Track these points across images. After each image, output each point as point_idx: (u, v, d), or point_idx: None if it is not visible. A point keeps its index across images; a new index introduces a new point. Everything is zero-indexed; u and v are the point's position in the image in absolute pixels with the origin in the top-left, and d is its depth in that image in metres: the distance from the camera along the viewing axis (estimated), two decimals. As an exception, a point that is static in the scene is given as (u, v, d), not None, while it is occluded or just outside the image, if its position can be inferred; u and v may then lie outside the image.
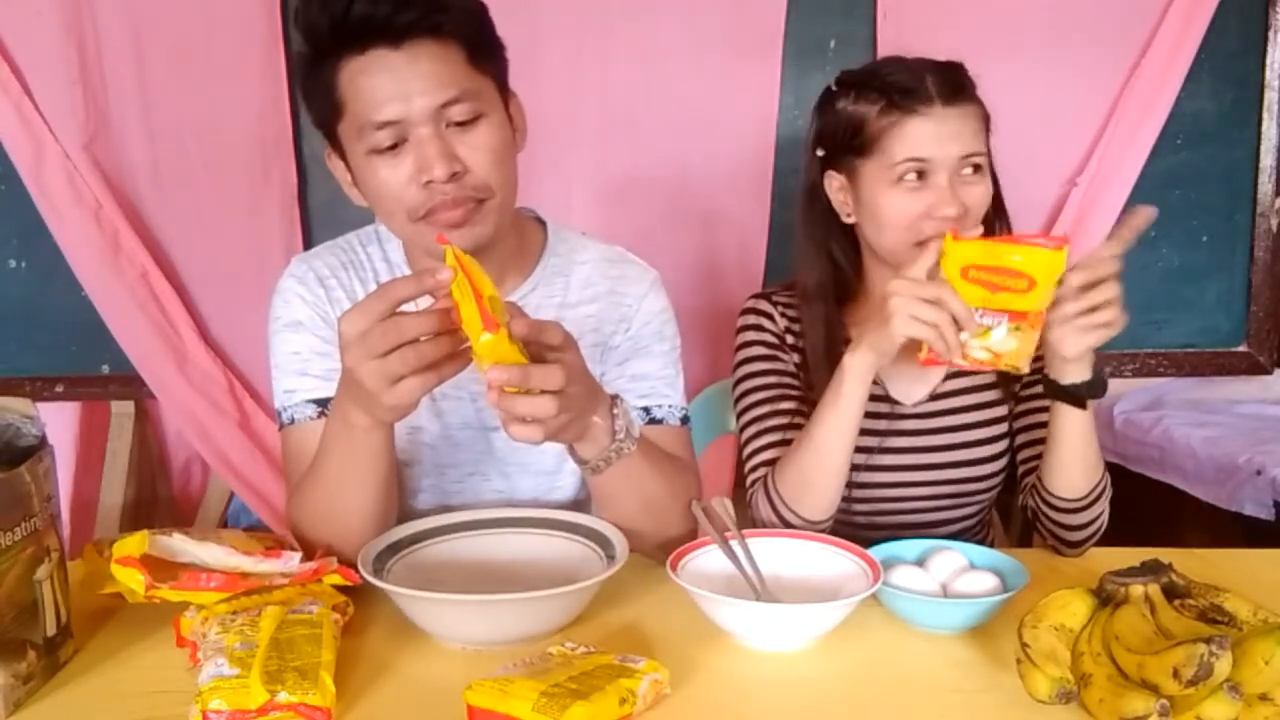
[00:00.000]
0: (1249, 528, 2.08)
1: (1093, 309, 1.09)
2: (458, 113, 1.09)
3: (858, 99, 1.27)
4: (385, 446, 1.07)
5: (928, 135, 1.23)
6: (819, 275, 1.36)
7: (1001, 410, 1.37)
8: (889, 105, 1.24)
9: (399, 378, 0.92)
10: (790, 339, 1.39)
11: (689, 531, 1.18)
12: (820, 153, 1.33)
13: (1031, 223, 2.00)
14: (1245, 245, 2.06)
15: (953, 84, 1.24)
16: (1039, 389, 1.24)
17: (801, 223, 1.37)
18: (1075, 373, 1.15)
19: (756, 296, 1.43)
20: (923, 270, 1.13)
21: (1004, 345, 1.11)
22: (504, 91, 1.17)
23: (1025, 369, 1.13)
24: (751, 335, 1.40)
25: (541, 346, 0.95)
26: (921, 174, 1.23)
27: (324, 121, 1.14)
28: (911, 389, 1.37)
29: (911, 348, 1.15)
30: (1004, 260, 1.08)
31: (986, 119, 1.28)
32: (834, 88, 1.32)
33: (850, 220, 1.32)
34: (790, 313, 1.40)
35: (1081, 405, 1.16)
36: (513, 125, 1.18)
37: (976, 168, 1.25)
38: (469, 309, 0.88)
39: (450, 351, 0.93)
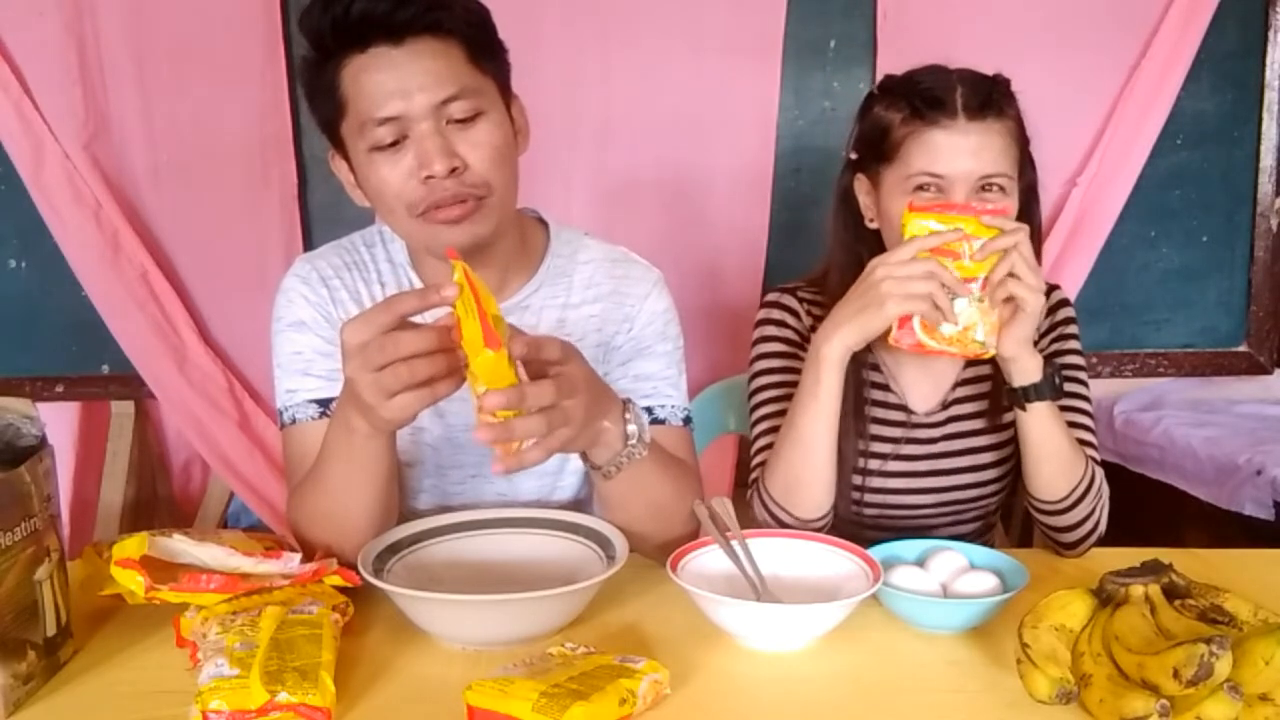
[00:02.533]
0: (1249, 528, 2.08)
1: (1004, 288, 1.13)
2: (458, 109, 1.10)
3: (888, 105, 1.26)
4: (386, 451, 1.07)
5: (945, 150, 1.21)
6: (849, 278, 1.32)
7: (1009, 417, 1.37)
8: (912, 114, 1.22)
9: (394, 393, 0.92)
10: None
11: (691, 533, 1.18)
12: (854, 156, 1.32)
13: (1031, 223, 2.00)
14: (1245, 245, 2.06)
15: (982, 98, 1.21)
16: None
17: (832, 226, 1.36)
18: (1021, 374, 1.17)
19: (781, 290, 1.41)
20: (911, 252, 1.14)
21: (967, 318, 1.14)
22: (506, 93, 1.18)
23: (992, 349, 1.16)
24: (772, 330, 1.38)
25: (541, 363, 0.95)
26: (938, 189, 1.22)
27: (327, 122, 1.15)
28: (923, 398, 1.36)
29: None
30: (959, 227, 1.13)
31: (1021, 136, 1.26)
32: (875, 92, 1.31)
33: (873, 225, 1.31)
34: (817, 310, 1.37)
35: (1022, 407, 1.19)
36: (514, 127, 1.18)
37: (999, 189, 1.22)
38: (471, 325, 0.88)
39: (446, 370, 0.93)
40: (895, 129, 1.24)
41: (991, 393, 1.35)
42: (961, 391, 1.36)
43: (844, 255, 1.34)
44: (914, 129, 1.22)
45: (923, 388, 1.36)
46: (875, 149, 1.27)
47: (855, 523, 1.33)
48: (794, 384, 1.33)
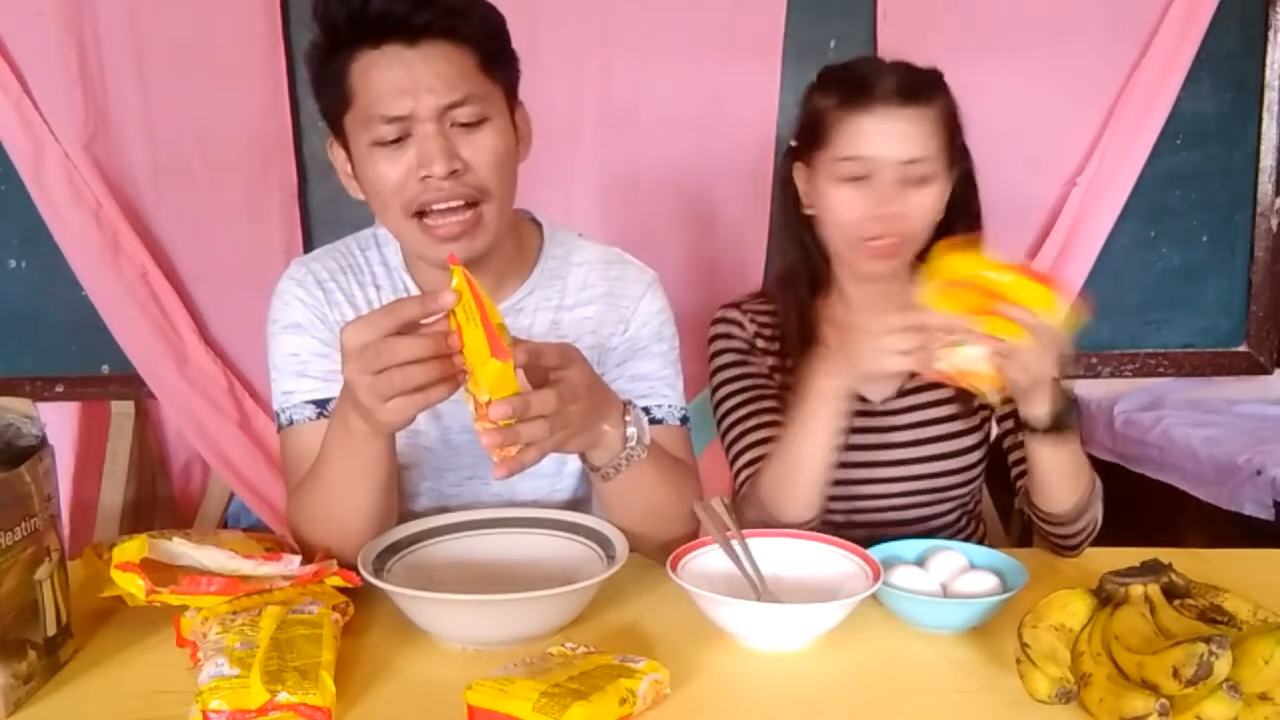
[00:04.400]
0: (1249, 528, 2.09)
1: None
2: (463, 114, 1.10)
3: (825, 92, 1.30)
4: (385, 452, 1.07)
5: (872, 133, 1.24)
6: (790, 262, 1.38)
7: (973, 406, 1.36)
8: (844, 99, 1.26)
9: (389, 397, 0.92)
10: (761, 343, 1.40)
11: (691, 532, 1.18)
12: (794, 143, 1.36)
13: (1031, 223, 2.00)
14: (1245, 245, 2.06)
15: (914, 84, 1.24)
16: None
17: (778, 211, 1.39)
18: (1034, 403, 1.13)
19: (725, 306, 1.44)
20: (901, 322, 1.06)
21: (973, 365, 1.06)
22: (512, 100, 1.18)
23: (994, 400, 1.11)
24: (721, 344, 1.42)
25: (540, 368, 0.96)
26: (865, 174, 1.25)
27: (330, 111, 1.15)
28: (880, 386, 1.36)
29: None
30: (995, 285, 1.03)
31: (950, 125, 1.27)
32: (815, 80, 1.35)
33: (810, 212, 1.34)
34: (761, 319, 1.41)
35: (1038, 434, 1.14)
36: (517, 134, 1.19)
37: (923, 175, 1.24)
38: (474, 334, 0.88)
39: (441, 376, 0.92)
40: (828, 114, 1.28)
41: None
42: (921, 378, 1.33)
43: (786, 240, 1.38)
44: (844, 114, 1.26)
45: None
46: (811, 136, 1.31)
47: (828, 524, 1.32)
48: (754, 386, 1.37)
